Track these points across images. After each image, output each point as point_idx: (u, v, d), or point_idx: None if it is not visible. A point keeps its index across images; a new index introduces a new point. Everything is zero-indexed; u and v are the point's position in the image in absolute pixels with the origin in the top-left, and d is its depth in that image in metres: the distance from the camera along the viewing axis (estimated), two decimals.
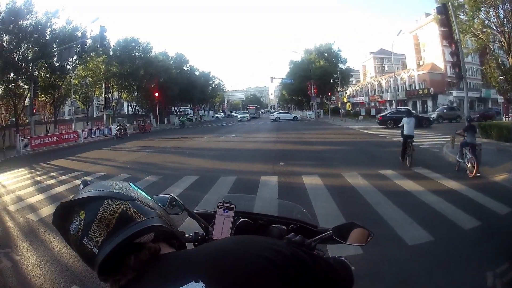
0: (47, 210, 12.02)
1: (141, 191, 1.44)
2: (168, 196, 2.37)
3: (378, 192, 12.12)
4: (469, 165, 14.51)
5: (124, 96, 79.66)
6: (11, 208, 12.83)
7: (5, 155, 32.81)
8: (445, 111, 56.99)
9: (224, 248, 1.33)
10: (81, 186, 1.46)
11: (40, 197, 14.37)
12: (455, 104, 71.17)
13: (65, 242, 1.37)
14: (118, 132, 49.37)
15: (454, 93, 77.54)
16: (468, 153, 14.82)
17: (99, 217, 1.24)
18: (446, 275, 6.20)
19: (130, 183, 1.46)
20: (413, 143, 17.16)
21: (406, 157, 17.15)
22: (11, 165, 26.43)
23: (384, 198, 11.32)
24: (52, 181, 17.88)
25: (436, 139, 27.25)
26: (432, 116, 54.13)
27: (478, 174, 13.94)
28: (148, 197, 1.44)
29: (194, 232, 2.36)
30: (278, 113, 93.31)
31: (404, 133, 17.42)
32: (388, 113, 50.06)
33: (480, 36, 35.94)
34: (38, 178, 19.20)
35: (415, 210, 9.82)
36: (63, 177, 18.62)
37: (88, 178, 17.05)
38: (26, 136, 39.78)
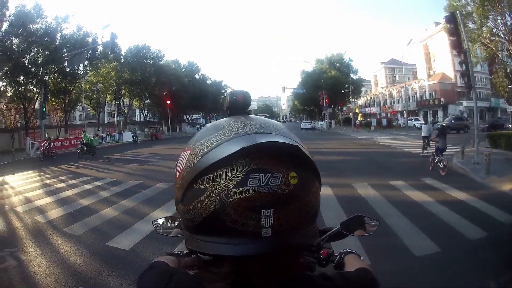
0: (55, 213, 12.09)
1: None
2: None
3: (388, 202, 12.08)
4: (441, 165, 17.36)
5: (135, 102, 79.90)
6: (19, 209, 12.91)
7: (14, 157, 33.07)
8: (453, 121, 56.23)
9: None
10: None
11: (48, 199, 14.41)
12: (465, 114, 70.94)
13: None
14: (135, 138, 50.62)
15: (464, 103, 77.05)
16: (440, 155, 17.64)
17: None
18: (451, 286, 6.19)
19: None
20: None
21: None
22: (20, 167, 26.62)
23: (393, 208, 11.28)
24: (62, 184, 17.94)
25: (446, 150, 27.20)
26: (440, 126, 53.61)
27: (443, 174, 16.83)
28: None
29: None
30: (303, 123, 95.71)
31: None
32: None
33: (488, 44, 35.76)
34: (48, 181, 19.23)
35: (423, 221, 9.77)
36: (73, 181, 18.62)
37: (98, 183, 17.19)
38: (36, 139, 39.94)
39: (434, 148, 18.55)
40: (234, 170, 1.00)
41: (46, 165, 26.93)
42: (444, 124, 22.08)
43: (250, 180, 0.98)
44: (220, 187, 1.01)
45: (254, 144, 0.99)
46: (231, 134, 1.07)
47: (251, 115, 1.22)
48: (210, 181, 1.02)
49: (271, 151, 1.02)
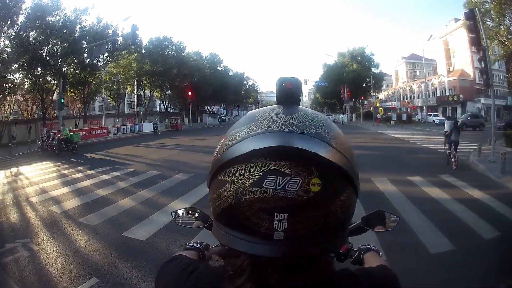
0: (71, 203, 12.17)
1: None
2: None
3: (406, 198, 12.11)
4: (453, 159, 18.26)
5: (156, 94, 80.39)
6: (34, 199, 13.00)
7: (31, 148, 33.36)
8: (469, 118, 56.51)
9: None
10: None
11: (65, 190, 14.50)
12: (482, 112, 70.42)
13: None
14: (155, 129, 50.67)
15: (482, 100, 76.41)
16: (453, 148, 18.35)
17: None
18: (463, 285, 6.16)
19: None
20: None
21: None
22: (36, 157, 26.90)
23: (411, 204, 11.29)
24: (79, 175, 18.03)
25: (462, 147, 27.02)
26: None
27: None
28: None
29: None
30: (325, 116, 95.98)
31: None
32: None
33: (506, 42, 35.45)
34: (64, 172, 19.39)
35: (439, 218, 9.75)
36: (90, 172, 18.76)
37: (116, 173, 17.21)
38: (53, 130, 39.78)
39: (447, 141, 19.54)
40: (252, 168, 0.97)
41: (63, 156, 27.18)
42: (457, 119, 23.51)
43: (267, 182, 0.94)
44: (237, 183, 0.99)
45: (266, 147, 0.96)
46: (259, 129, 1.03)
47: (299, 106, 1.14)
48: (231, 175, 1.01)
49: (284, 155, 0.96)
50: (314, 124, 1.04)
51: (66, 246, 8.09)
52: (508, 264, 6.89)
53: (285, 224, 0.96)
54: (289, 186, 0.94)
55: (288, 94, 1.16)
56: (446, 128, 21.88)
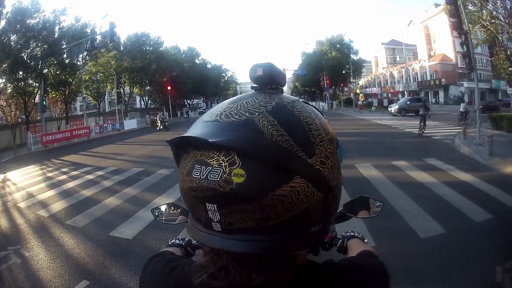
0: (57, 206, 12.12)
1: None
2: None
3: (391, 183, 12.16)
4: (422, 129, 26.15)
5: (136, 90, 79.99)
6: (22, 205, 12.88)
7: (16, 153, 33.03)
8: (408, 102, 53.10)
9: None
10: None
11: (51, 193, 14.40)
12: (466, 95, 70.89)
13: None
14: (164, 123, 49.07)
15: (465, 84, 76.83)
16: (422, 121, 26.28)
17: None
18: (456, 268, 6.16)
19: None
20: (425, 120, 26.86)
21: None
22: (22, 162, 26.43)
23: (397, 189, 11.35)
24: (64, 176, 17.90)
25: (447, 131, 27.27)
26: (393, 109, 53.21)
27: (423, 134, 25.85)
28: None
29: None
30: None
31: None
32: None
33: (488, 27, 35.60)
34: (49, 174, 19.22)
35: (427, 202, 9.80)
36: (75, 173, 18.66)
37: (100, 173, 17.23)
38: (37, 133, 39.73)
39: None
40: (187, 158, 0.99)
41: (48, 158, 26.89)
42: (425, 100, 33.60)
43: (194, 171, 0.95)
44: (181, 172, 1.01)
45: (178, 137, 0.97)
46: (199, 120, 1.06)
47: (267, 92, 1.11)
48: (180, 165, 1.02)
49: (183, 144, 0.99)
50: (251, 110, 1.00)
51: (56, 250, 8.06)
52: (503, 246, 6.91)
53: (217, 215, 0.95)
54: (211, 176, 0.92)
55: (258, 80, 1.14)
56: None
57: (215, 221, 0.96)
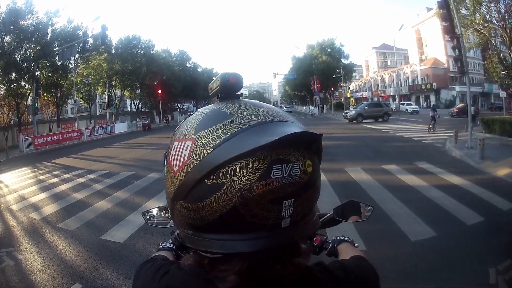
0: (49, 209, 12.05)
1: None
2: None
3: (381, 187, 12.14)
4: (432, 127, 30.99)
5: (127, 93, 79.87)
6: (14, 207, 12.80)
7: (8, 155, 32.77)
8: (366, 107, 51.56)
9: None
10: None
11: (43, 196, 14.32)
12: (457, 99, 71.14)
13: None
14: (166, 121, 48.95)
15: (457, 87, 77.24)
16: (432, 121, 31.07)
17: None
18: (448, 271, 6.17)
19: None
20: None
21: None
22: (14, 164, 26.33)
23: (387, 193, 11.33)
24: (55, 179, 17.83)
25: (439, 135, 27.35)
26: (349, 114, 51.89)
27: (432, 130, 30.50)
28: None
29: None
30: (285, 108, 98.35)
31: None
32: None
33: (481, 30, 35.67)
34: (41, 177, 19.09)
35: (418, 206, 9.80)
36: (66, 176, 18.54)
37: (91, 176, 17.17)
38: (29, 135, 39.74)
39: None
40: (255, 162, 0.93)
41: (40, 161, 26.78)
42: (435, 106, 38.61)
43: (273, 172, 0.93)
44: (240, 181, 0.93)
45: (285, 136, 0.93)
46: (246, 122, 1.01)
47: (243, 99, 1.17)
48: (228, 175, 0.94)
49: (299, 142, 0.99)
50: (286, 114, 1.12)
51: (48, 253, 8.02)
52: (495, 249, 6.94)
53: (291, 210, 0.98)
54: (294, 172, 0.96)
55: (231, 88, 1.20)
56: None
57: (287, 217, 0.98)
